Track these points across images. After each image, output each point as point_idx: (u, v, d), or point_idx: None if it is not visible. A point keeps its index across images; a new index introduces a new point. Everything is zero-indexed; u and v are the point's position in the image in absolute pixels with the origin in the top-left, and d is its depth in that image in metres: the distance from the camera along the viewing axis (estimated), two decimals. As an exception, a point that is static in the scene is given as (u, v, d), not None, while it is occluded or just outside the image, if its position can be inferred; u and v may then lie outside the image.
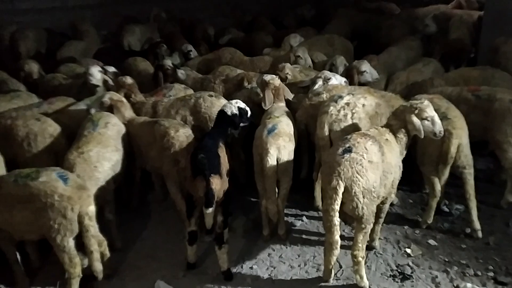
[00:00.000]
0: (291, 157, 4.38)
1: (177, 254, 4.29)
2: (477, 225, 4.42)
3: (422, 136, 3.99)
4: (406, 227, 4.61)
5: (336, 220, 3.54)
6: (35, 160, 4.40)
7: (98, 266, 3.65)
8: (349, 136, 3.84)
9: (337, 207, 3.52)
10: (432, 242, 4.39)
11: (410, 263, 4.11)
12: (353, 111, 4.45)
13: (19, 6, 9.91)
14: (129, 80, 5.34)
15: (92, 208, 3.60)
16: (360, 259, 3.70)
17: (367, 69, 5.63)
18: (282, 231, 4.48)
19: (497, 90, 4.86)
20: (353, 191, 3.53)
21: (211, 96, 5.11)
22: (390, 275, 3.99)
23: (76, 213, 3.50)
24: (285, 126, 4.48)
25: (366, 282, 3.78)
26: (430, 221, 4.56)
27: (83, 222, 3.53)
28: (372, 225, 3.76)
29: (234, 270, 4.08)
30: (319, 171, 4.51)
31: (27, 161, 4.39)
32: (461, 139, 4.27)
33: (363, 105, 4.51)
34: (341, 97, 4.52)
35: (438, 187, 4.44)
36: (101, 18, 10.12)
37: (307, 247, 4.39)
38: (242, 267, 4.15)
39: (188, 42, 8.23)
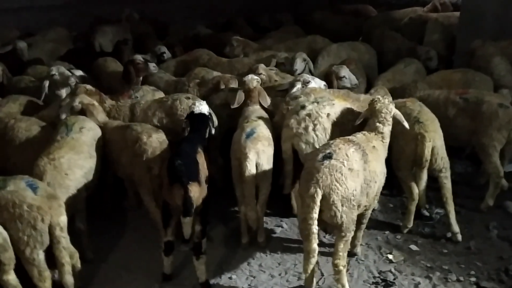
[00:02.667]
0: (271, 162, 4.28)
1: (152, 264, 4.11)
2: (456, 228, 4.40)
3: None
4: (387, 232, 4.56)
5: (314, 228, 3.40)
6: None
7: (70, 280, 3.46)
8: (331, 141, 3.75)
9: (315, 215, 3.39)
10: (413, 247, 4.35)
11: (393, 270, 4.06)
12: (315, 122, 4.25)
13: (-19, 7, 9.52)
14: (90, 87, 5.10)
15: (63, 219, 3.42)
16: (341, 268, 3.58)
17: (346, 75, 5.55)
18: (261, 238, 4.37)
19: (485, 93, 4.90)
20: (331, 199, 3.41)
21: (188, 98, 4.96)
22: (373, 282, 3.93)
23: (46, 224, 3.31)
24: (264, 130, 4.37)
25: None
26: (410, 225, 4.53)
27: (54, 233, 3.34)
28: (352, 233, 3.65)
29: (212, 281, 3.95)
30: (292, 180, 4.38)
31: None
32: (434, 142, 4.26)
33: (328, 114, 4.31)
34: (303, 107, 4.34)
35: (416, 191, 4.42)
36: (70, 19, 9.81)
37: (288, 255, 4.28)
38: (220, 277, 4.02)
39: (161, 43, 8.04)
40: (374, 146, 3.84)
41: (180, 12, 11.00)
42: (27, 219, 3.26)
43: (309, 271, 3.56)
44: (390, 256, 4.21)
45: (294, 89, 5.09)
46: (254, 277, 4.02)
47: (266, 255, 4.28)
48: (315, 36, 7.66)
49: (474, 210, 4.84)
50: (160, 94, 5.46)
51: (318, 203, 3.40)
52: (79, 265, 3.67)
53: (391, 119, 4.05)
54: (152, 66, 6.04)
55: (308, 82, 5.10)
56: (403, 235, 4.51)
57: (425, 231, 4.57)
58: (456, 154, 5.59)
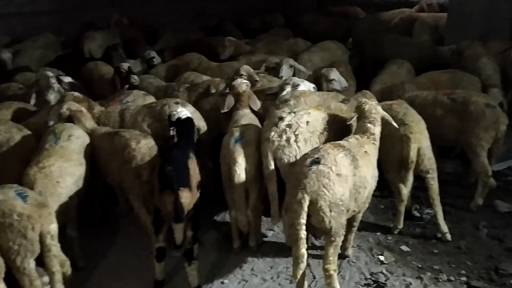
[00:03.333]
0: (259, 165, 4.24)
1: (144, 271, 4.09)
2: (444, 228, 4.44)
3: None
4: (378, 233, 4.58)
5: (302, 233, 3.37)
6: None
7: None
8: (320, 146, 3.76)
9: (302, 221, 3.36)
10: (404, 248, 4.37)
11: (384, 271, 4.07)
12: (296, 132, 4.11)
13: (-30, 12, 9.45)
14: (78, 94, 5.09)
15: (54, 227, 3.40)
16: (332, 272, 3.54)
17: (336, 77, 5.54)
18: (253, 242, 4.35)
19: (472, 93, 4.94)
20: (319, 205, 3.39)
21: (177, 103, 4.94)
22: (364, 283, 3.95)
23: (37, 232, 3.28)
24: (253, 134, 4.34)
25: None
26: (400, 226, 4.55)
27: (45, 241, 3.32)
28: (342, 237, 3.63)
29: (204, 286, 3.94)
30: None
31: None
32: (420, 143, 4.29)
33: (307, 122, 4.18)
34: (281, 118, 4.19)
35: (405, 191, 4.44)
36: (59, 24, 9.74)
37: (280, 258, 4.28)
38: (213, 282, 4.01)
39: (151, 48, 8.03)
40: (366, 151, 3.83)
41: (169, 16, 10.98)
42: (17, 228, 3.23)
43: (298, 276, 3.52)
44: (382, 257, 4.23)
45: (284, 92, 5.10)
46: (246, 281, 4.01)
47: (258, 259, 4.28)
48: (296, 39, 7.64)
49: (464, 209, 4.88)
50: (151, 99, 5.44)
51: (306, 209, 3.37)
52: (69, 272, 3.63)
53: (380, 119, 4.07)
54: (133, 78, 5.89)
55: (297, 85, 5.10)
56: (394, 236, 4.53)
57: (415, 232, 4.59)
58: (445, 154, 5.65)
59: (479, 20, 6.73)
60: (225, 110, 4.84)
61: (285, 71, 6.04)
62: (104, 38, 8.54)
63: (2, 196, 3.31)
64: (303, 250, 3.41)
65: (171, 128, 4.28)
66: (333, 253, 3.55)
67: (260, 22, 10.51)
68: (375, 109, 4.06)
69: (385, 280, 3.95)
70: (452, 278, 3.95)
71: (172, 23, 10.29)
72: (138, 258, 4.30)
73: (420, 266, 4.11)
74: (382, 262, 4.18)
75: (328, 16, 9.79)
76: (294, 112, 4.25)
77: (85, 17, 9.90)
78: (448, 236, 4.41)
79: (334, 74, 5.55)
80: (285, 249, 4.33)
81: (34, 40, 8.53)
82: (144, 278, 4.04)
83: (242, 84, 4.94)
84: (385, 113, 4.14)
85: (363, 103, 4.11)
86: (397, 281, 3.95)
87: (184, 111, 4.34)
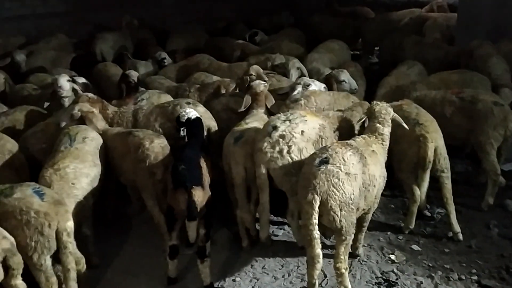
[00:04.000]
0: None
1: (157, 268, 4.15)
2: (457, 228, 4.44)
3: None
4: (389, 233, 4.59)
5: (316, 233, 3.43)
6: None
7: (74, 286, 3.48)
8: (328, 145, 3.80)
9: (315, 221, 3.41)
10: (415, 247, 4.38)
11: (395, 270, 4.09)
12: (289, 144, 4.01)
13: (-15, 14, 9.59)
14: (92, 95, 5.14)
15: (70, 224, 3.45)
16: (343, 271, 3.59)
17: (346, 79, 5.59)
18: (264, 234, 4.31)
19: (480, 92, 4.95)
20: (329, 204, 3.43)
21: (188, 103, 5.00)
22: (375, 282, 3.96)
23: (53, 229, 3.34)
24: (253, 133, 4.35)
25: None
26: (412, 226, 4.56)
27: (61, 238, 3.37)
28: (352, 236, 3.66)
29: (216, 283, 3.98)
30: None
31: None
32: (436, 142, 4.30)
33: (302, 132, 4.08)
34: (275, 128, 4.08)
35: (418, 192, 4.44)
36: (71, 26, 9.86)
37: (291, 257, 4.31)
38: (224, 280, 4.05)
39: (162, 49, 8.12)
40: (373, 150, 3.86)
41: (178, 18, 11.05)
42: (34, 225, 3.29)
43: (315, 277, 3.56)
44: (393, 257, 4.24)
45: (295, 92, 5.15)
46: (257, 279, 4.05)
47: (269, 258, 4.31)
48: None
49: (475, 209, 4.87)
50: (166, 97, 5.51)
51: (317, 209, 3.42)
52: (84, 269, 3.70)
53: (390, 120, 4.09)
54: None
55: (308, 85, 5.16)
56: (405, 235, 4.54)
57: (426, 231, 4.60)
58: (456, 154, 5.64)
59: (489, 20, 6.73)
60: (242, 109, 4.88)
61: (294, 74, 6.11)
62: (116, 40, 8.64)
63: (20, 194, 3.37)
64: (318, 250, 3.46)
65: (181, 129, 4.32)
66: (344, 251, 3.58)
67: (269, 22, 10.55)
68: (385, 110, 4.08)
69: (396, 279, 3.97)
70: (463, 277, 3.96)
71: (181, 25, 10.36)
72: (151, 256, 4.35)
73: (431, 265, 4.13)
74: (393, 261, 4.19)
75: (338, 16, 9.81)
76: (290, 120, 4.14)
77: (96, 19, 10.04)
78: (460, 236, 4.41)
79: (345, 76, 5.60)
80: (296, 248, 4.39)
81: (46, 41, 8.65)
82: (157, 276, 4.09)
83: (260, 84, 4.98)
84: (395, 114, 4.15)
85: (375, 104, 4.14)
86: (408, 280, 3.96)
87: (193, 112, 4.38)
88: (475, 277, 3.96)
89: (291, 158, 4.01)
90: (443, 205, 4.50)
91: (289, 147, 4.02)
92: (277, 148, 4.02)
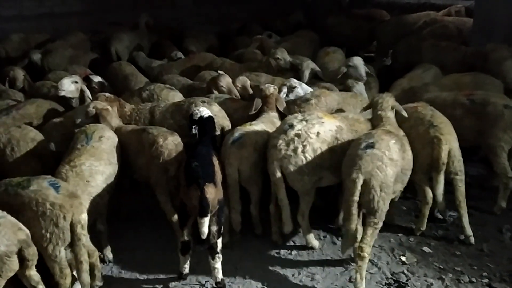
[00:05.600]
0: (256, 167, 4.33)
1: (169, 264, 4.20)
2: (469, 231, 4.42)
3: None
4: (400, 234, 4.59)
5: (354, 210, 3.70)
6: (20, 164, 4.40)
7: (86, 278, 3.54)
8: (373, 132, 4.04)
9: (356, 198, 3.68)
10: (426, 249, 4.38)
11: (405, 271, 4.09)
12: (304, 143, 4.04)
13: (4, 13, 9.76)
14: (109, 94, 5.20)
15: (84, 216, 3.51)
16: (365, 254, 3.71)
17: (353, 64, 5.72)
18: (259, 230, 4.57)
19: (491, 94, 4.92)
20: (371, 184, 3.69)
21: (203, 102, 5.05)
22: (386, 283, 3.97)
23: (68, 221, 3.40)
24: (253, 135, 4.38)
25: (364, 285, 3.76)
26: (423, 228, 4.55)
27: (75, 230, 3.44)
28: (381, 223, 3.82)
29: (227, 280, 4.01)
30: (276, 202, 4.31)
31: (11, 166, 4.40)
32: (450, 144, 4.30)
33: (317, 133, 4.09)
34: (292, 126, 4.13)
35: (430, 194, 4.43)
36: (88, 26, 10.00)
37: (301, 256, 4.34)
38: (235, 277, 4.08)
39: (177, 49, 8.21)
40: (403, 135, 4.20)
41: (194, 19, 11.14)
42: (49, 216, 3.36)
43: (346, 250, 3.96)
44: (403, 258, 4.25)
45: (281, 94, 5.16)
46: (268, 277, 4.07)
47: (280, 256, 4.34)
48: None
49: (488, 212, 4.85)
50: (170, 91, 5.65)
51: (359, 188, 3.68)
52: (98, 263, 3.77)
53: (389, 106, 4.35)
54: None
55: (294, 87, 5.19)
56: (416, 237, 4.54)
57: (438, 234, 4.59)
58: (469, 157, 5.61)
59: (504, 24, 6.68)
60: (253, 112, 4.91)
61: (306, 75, 6.16)
62: (131, 39, 8.74)
63: (36, 186, 3.44)
64: (354, 225, 3.73)
65: (193, 127, 4.36)
66: (371, 234, 3.76)
67: (283, 24, 10.59)
68: (382, 98, 4.40)
69: (406, 280, 3.98)
70: (474, 280, 3.94)
71: (197, 25, 10.46)
72: (163, 251, 4.41)
73: (441, 267, 4.12)
74: (403, 263, 4.19)
75: (352, 18, 9.80)
76: (307, 120, 4.17)
77: (112, 19, 10.16)
78: (472, 240, 4.39)
79: (356, 60, 5.75)
80: (306, 248, 4.41)
81: (64, 39, 8.79)
82: (169, 271, 4.14)
83: (270, 87, 5.03)
84: (395, 103, 4.41)
85: (376, 97, 4.44)
86: (418, 281, 3.96)
87: (206, 110, 4.42)
88: (485, 280, 3.94)
89: (305, 157, 4.05)
90: (455, 208, 4.48)
91: (304, 146, 4.06)
92: (292, 146, 4.06)
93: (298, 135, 4.08)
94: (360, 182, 3.67)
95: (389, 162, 3.76)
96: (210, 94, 5.48)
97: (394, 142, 3.90)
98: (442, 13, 8.73)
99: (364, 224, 3.81)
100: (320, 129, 4.13)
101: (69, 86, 5.53)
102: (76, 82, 5.60)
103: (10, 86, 6.46)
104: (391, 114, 4.35)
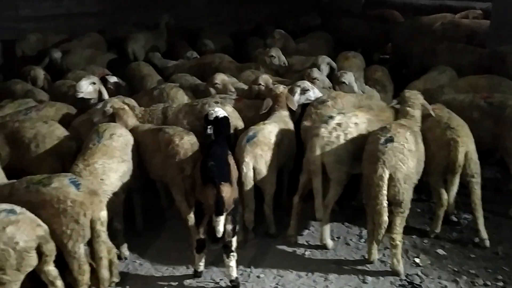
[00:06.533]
0: (271, 165, 4.39)
1: (183, 262, 4.25)
2: (484, 234, 4.40)
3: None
4: (414, 236, 4.59)
5: (385, 202, 3.83)
6: (41, 161, 4.47)
7: (106, 274, 3.61)
8: (388, 126, 4.12)
9: (385, 192, 3.82)
10: (440, 251, 4.37)
11: (419, 273, 4.09)
12: (346, 131, 4.28)
13: (23, 13, 9.91)
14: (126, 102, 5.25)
15: (104, 214, 3.58)
16: (398, 242, 3.93)
17: (347, 81, 5.65)
18: (272, 230, 4.60)
19: (509, 97, 4.88)
20: (397, 177, 3.84)
21: (217, 102, 5.09)
22: (399, 284, 3.97)
23: (88, 218, 3.47)
24: (267, 134, 4.44)
25: (401, 267, 4.00)
26: (438, 230, 4.54)
27: (95, 227, 3.50)
28: (408, 210, 3.98)
29: (241, 279, 4.04)
30: (301, 195, 4.42)
31: (33, 162, 4.47)
32: (467, 147, 4.29)
33: (356, 123, 4.36)
34: (331, 117, 4.37)
35: (445, 196, 4.42)
36: (104, 26, 10.10)
37: (314, 256, 4.36)
38: (249, 276, 4.12)
39: (192, 49, 8.27)
40: (417, 131, 4.27)
41: (208, 19, 11.20)
42: (70, 213, 3.42)
43: (377, 243, 4.07)
44: (417, 260, 4.24)
45: (296, 96, 5.15)
46: (281, 277, 4.10)
47: (294, 256, 4.37)
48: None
49: (503, 215, 4.83)
50: (180, 90, 5.74)
51: (386, 182, 3.83)
52: (116, 260, 3.84)
53: (419, 105, 4.43)
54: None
55: (307, 90, 5.19)
56: (431, 239, 4.53)
57: (452, 236, 4.58)
58: (485, 160, 5.58)
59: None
60: (263, 111, 4.95)
61: (324, 69, 6.24)
62: (148, 39, 8.82)
63: (57, 184, 3.50)
64: (385, 217, 3.85)
65: (209, 127, 4.40)
66: (400, 224, 3.94)
67: (296, 24, 10.60)
68: (415, 95, 4.48)
69: (420, 282, 3.97)
70: (488, 283, 3.93)
71: (211, 26, 10.51)
72: (178, 249, 4.46)
73: (456, 269, 4.11)
74: (417, 265, 4.19)
75: (366, 20, 9.77)
76: (343, 113, 4.44)
77: (128, 19, 10.25)
78: (487, 243, 4.37)
79: (347, 77, 5.66)
80: (320, 247, 4.43)
81: (80, 39, 8.90)
82: (184, 269, 4.19)
83: (280, 86, 5.06)
84: (424, 101, 4.49)
85: (406, 91, 4.51)
86: (432, 283, 3.96)
87: (221, 111, 4.46)
88: (500, 284, 3.93)
89: (346, 146, 4.25)
90: (471, 211, 4.46)
91: (345, 134, 4.28)
92: (334, 134, 4.27)
93: (339, 124, 4.31)
94: (386, 176, 3.82)
95: (409, 154, 3.91)
96: (218, 94, 5.53)
97: (409, 134, 4.03)
98: (459, 16, 8.65)
99: (391, 215, 3.92)
100: (357, 120, 4.40)
101: (87, 88, 5.58)
102: (94, 83, 5.65)
103: (32, 85, 6.56)
104: (418, 113, 4.41)
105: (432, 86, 5.86)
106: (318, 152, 4.22)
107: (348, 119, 4.36)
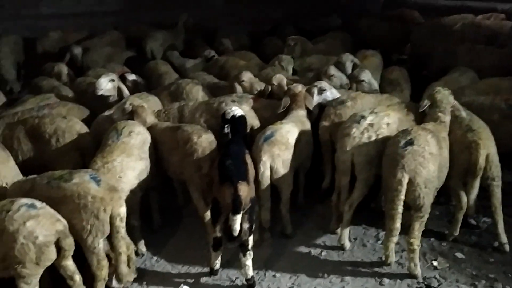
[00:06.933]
0: (288, 165, 4.39)
1: (200, 259, 4.27)
2: (504, 238, 4.34)
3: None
4: (432, 239, 4.54)
5: (400, 209, 3.77)
6: (62, 156, 4.54)
7: (124, 269, 3.66)
8: (409, 129, 4.08)
9: (402, 197, 3.75)
10: (459, 255, 4.32)
11: (437, 276, 4.05)
12: (378, 132, 4.27)
13: (44, 11, 10.07)
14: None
15: (123, 210, 3.61)
16: (415, 247, 3.88)
17: (366, 79, 5.64)
18: (288, 230, 4.59)
19: None
20: (416, 182, 3.77)
21: (234, 101, 5.10)
22: (417, 287, 3.93)
23: (108, 214, 3.51)
24: (284, 133, 4.43)
25: (419, 270, 3.95)
26: (456, 233, 4.49)
27: (115, 223, 3.54)
28: (428, 214, 3.89)
29: (257, 278, 4.05)
30: (339, 194, 4.42)
31: (53, 157, 4.54)
32: (489, 149, 4.23)
33: (388, 124, 4.35)
34: (363, 117, 4.36)
35: (465, 199, 4.37)
36: (124, 24, 10.21)
37: (331, 257, 4.35)
38: (265, 275, 4.12)
39: (210, 48, 8.31)
40: (443, 137, 4.18)
41: (227, 19, 11.23)
42: (90, 209, 3.47)
43: (389, 249, 3.98)
44: (435, 263, 4.20)
45: (315, 96, 5.11)
46: (297, 277, 4.09)
47: (310, 256, 4.36)
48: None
49: (523, 220, 4.75)
50: (196, 86, 5.80)
51: (405, 186, 3.76)
52: (134, 256, 3.88)
53: (450, 109, 4.32)
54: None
55: (324, 90, 5.15)
56: (449, 242, 4.47)
57: (471, 240, 4.52)
58: (505, 164, 5.49)
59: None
60: (281, 110, 4.94)
61: (349, 66, 6.24)
62: (166, 38, 8.88)
63: (78, 180, 3.56)
64: (398, 224, 3.82)
65: (226, 125, 4.41)
66: (419, 228, 3.89)
67: (316, 25, 10.57)
68: (446, 99, 4.33)
69: (438, 285, 3.93)
70: (507, 287, 3.88)
71: (230, 26, 10.54)
72: (195, 247, 4.48)
73: (474, 273, 4.06)
74: (435, 268, 4.15)
75: (386, 20, 9.69)
76: (376, 113, 4.41)
77: (147, 18, 10.34)
78: (507, 247, 4.31)
79: (365, 75, 5.64)
80: (336, 248, 4.41)
81: (101, 37, 9.00)
82: (200, 266, 4.22)
83: (298, 85, 5.04)
84: (455, 102, 4.38)
85: (436, 91, 4.35)
86: (450, 286, 3.92)
87: (238, 109, 4.47)
88: (520, 288, 3.87)
89: (377, 147, 4.20)
90: (490, 214, 4.40)
91: (377, 135, 4.26)
92: (366, 135, 4.25)
93: (371, 125, 4.29)
94: (405, 181, 3.75)
95: (430, 157, 3.82)
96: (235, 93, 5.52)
97: (431, 137, 3.95)
98: (482, 17, 8.52)
99: (411, 219, 3.89)
100: (389, 121, 4.38)
101: (106, 85, 5.64)
102: (113, 80, 5.71)
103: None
104: (448, 118, 4.31)
105: (453, 87, 5.76)
106: (349, 152, 4.21)
107: (381, 119, 4.34)
